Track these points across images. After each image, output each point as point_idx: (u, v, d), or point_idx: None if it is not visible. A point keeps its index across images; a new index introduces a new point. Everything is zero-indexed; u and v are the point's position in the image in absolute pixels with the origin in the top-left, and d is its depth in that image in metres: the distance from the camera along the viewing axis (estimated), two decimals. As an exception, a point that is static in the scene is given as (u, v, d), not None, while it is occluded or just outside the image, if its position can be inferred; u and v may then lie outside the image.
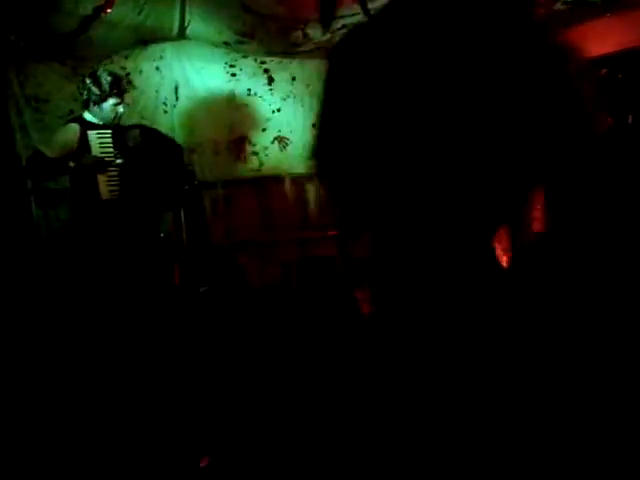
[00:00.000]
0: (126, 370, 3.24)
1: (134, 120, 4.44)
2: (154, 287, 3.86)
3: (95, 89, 3.64)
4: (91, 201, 3.65)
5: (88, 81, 3.67)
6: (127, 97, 3.97)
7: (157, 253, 3.98)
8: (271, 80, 5.27)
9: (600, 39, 4.31)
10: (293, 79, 5.30)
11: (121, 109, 3.75)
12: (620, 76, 4.25)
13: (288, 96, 5.29)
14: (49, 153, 3.56)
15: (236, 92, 5.14)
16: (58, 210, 4.25)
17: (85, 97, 3.71)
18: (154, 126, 4.57)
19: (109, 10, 3.93)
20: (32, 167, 3.69)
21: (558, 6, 4.29)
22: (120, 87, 3.72)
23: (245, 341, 3.74)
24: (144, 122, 4.59)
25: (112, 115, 3.71)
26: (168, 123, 4.86)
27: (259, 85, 5.23)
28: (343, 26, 4.72)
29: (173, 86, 4.91)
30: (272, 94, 5.27)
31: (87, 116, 3.72)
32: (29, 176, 3.93)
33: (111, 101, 3.67)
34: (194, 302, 4.30)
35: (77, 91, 4.45)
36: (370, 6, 4.23)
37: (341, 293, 4.35)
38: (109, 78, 3.65)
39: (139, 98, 4.79)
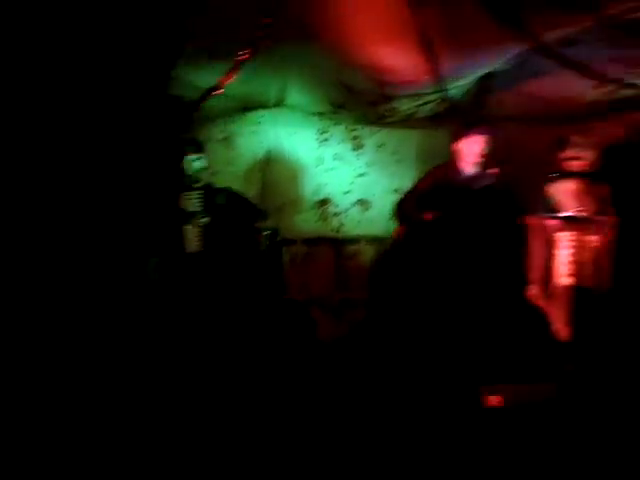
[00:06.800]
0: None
1: (229, 178, 4.96)
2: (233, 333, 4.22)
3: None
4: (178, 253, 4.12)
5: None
6: (226, 158, 4.45)
7: (236, 304, 4.35)
8: (359, 146, 5.59)
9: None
10: (379, 146, 5.60)
11: (198, 165, 4.24)
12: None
13: (374, 162, 5.58)
14: None
15: (324, 156, 5.50)
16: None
17: None
18: (245, 184, 5.07)
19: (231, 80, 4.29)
20: None
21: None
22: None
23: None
24: (237, 181, 5.08)
25: (189, 169, 4.22)
26: (259, 182, 5.31)
27: (347, 150, 5.55)
28: (425, 103, 5.02)
29: (266, 149, 5.37)
30: (359, 159, 5.57)
31: None
32: None
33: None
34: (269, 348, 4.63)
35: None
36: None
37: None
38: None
39: (236, 159, 5.30)
